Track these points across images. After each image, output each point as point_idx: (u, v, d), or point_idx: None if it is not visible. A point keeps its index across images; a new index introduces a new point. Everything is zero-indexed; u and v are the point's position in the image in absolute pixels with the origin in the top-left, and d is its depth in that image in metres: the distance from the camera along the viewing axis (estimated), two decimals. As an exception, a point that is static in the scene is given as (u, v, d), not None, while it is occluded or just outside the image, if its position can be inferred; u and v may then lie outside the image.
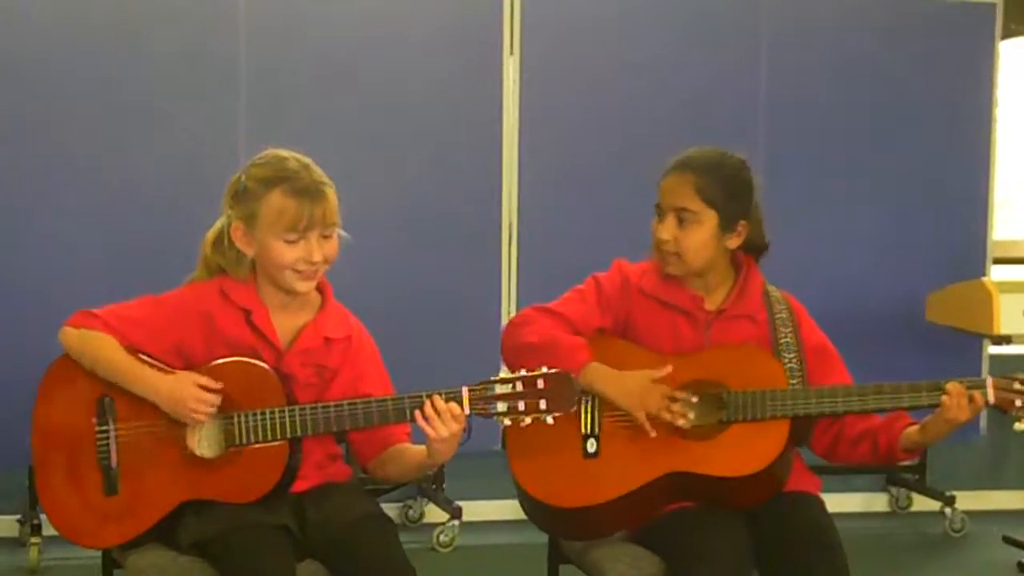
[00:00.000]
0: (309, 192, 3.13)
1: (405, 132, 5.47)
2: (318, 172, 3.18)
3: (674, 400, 3.25)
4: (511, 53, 5.53)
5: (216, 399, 3.11)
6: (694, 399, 3.25)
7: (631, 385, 3.25)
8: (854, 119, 5.83)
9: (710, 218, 3.32)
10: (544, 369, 3.07)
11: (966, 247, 5.93)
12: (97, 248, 5.18)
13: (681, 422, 3.23)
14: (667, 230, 3.33)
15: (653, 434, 3.24)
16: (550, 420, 3.07)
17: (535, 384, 3.06)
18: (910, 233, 5.89)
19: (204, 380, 3.11)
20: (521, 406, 3.06)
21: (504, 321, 5.47)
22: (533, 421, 3.07)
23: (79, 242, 5.18)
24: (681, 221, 3.32)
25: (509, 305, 5.54)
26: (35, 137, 5.16)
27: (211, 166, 5.14)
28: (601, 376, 3.26)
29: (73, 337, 3.19)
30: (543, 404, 3.06)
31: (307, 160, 3.20)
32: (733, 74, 5.73)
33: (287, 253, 3.14)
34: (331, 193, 3.17)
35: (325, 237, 3.16)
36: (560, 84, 5.59)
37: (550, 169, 5.59)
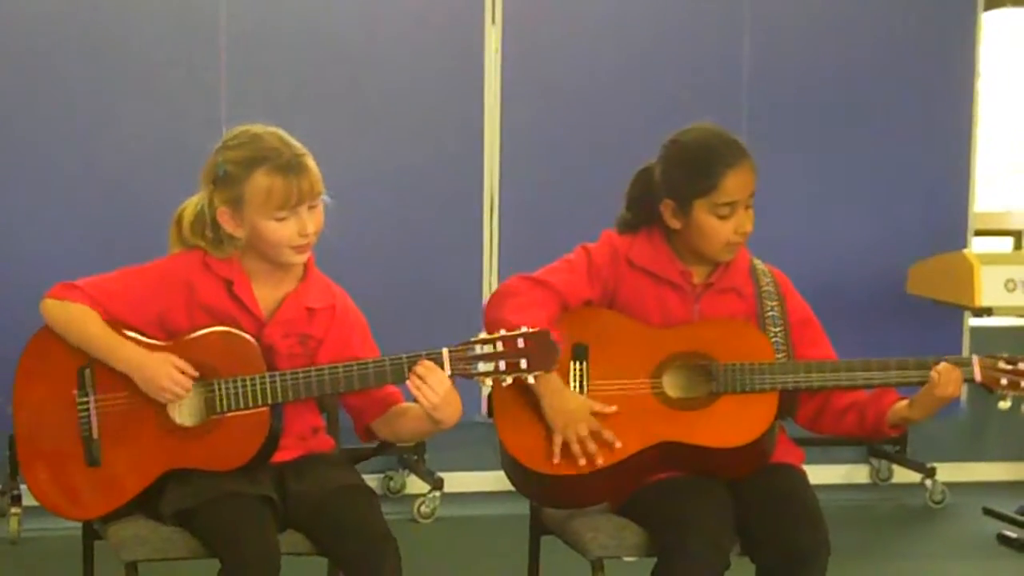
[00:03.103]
0: (292, 167, 3.11)
1: (387, 101, 5.45)
2: (295, 144, 3.16)
3: (599, 438, 3.22)
4: (493, 22, 5.51)
5: (189, 383, 3.11)
6: (618, 444, 3.23)
7: (568, 406, 3.23)
8: (836, 91, 5.81)
9: None
10: (524, 328, 3.07)
11: (948, 219, 5.93)
12: (78, 219, 5.16)
13: (582, 462, 3.22)
14: (750, 220, 3.30)
15: (556, 460, 3.23)
16: (531, 380, 3.08)
17: (515, 344, 3.06)
18: (892, 205, 5.88)
19: (181, 363, 3.11)
20: (502, 366, 3.06)
21: (486, 292, 5.46)
22: (514, 381, 3.07)
23: (60, 214, 5.15)
24: (748, 205, 3.30)
25: (491, 276, 5.53)
26: (13, 109, 5.13)
27: (193, 136, 5.08)
28: (549, 385, 3.22)
29: (53, 309, 3.17)
30: (524, 363, 3.06)
31: (280, 132, 3.18)
32: (716, 46, 5.71)
33: (280, 230, 3.13)
34: (312, 163, 3.15)
35: (311, 208, 3.15)
36: (542, 53, 5.57)
37: (532, 139, 5.57)
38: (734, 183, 3.27)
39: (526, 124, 5.56)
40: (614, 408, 3.25)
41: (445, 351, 3.09)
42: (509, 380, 3.08)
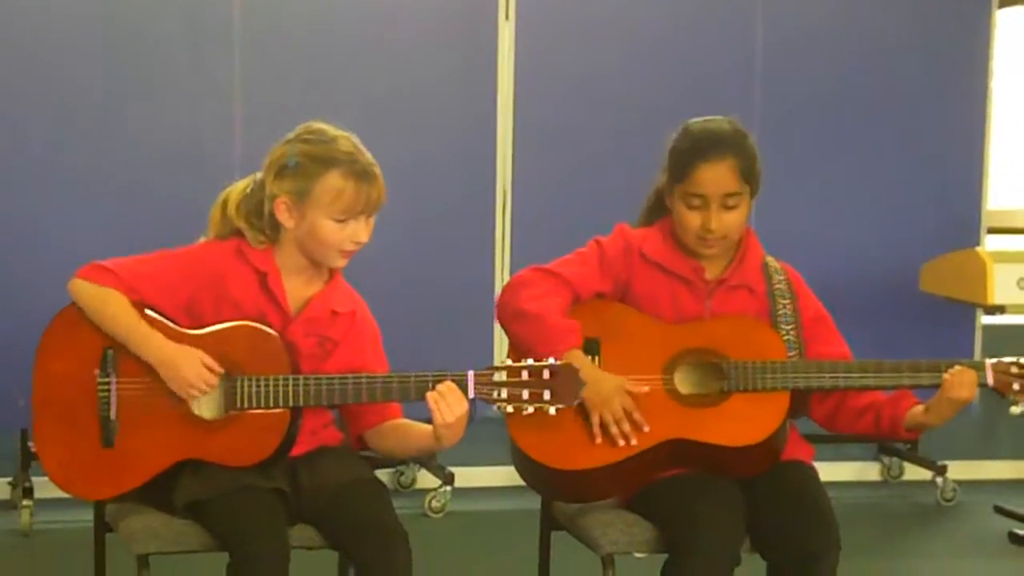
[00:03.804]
0: (367, 175, 3.18)
1: (400, 99, 5.44)
2: (367, 153, 3.22)
3: (631, 419, 3.23)
4: (507, 18, 5.51)
5: (215, 380, 3.12)
6: (646, 428, 3.23)
7: (601, 385, 3.24)
8: (849, 88, 5.81)
9: (746, 193, 3.32)
10: (551, 360, 3.09)
11: (961, 216, 5.92)
12: (96, 215, 5.15)
13: (621, 442, 3.23)
14: (718, 220, 3.28)
15: (598, 440, 3.24)
16: (552, 412, 3.09)
17: (541, 375, 3.08)
18: (905, 202, 5.88)
19: (209, 360, 3.12)
20: (525, 395, 3.08)
21: (498, 288, 5.46)
22: (536, 411, 3.08)
23: (78, 209, 5.15)
24: (726, 206, 3.29)
25: (503, 272, 5.53)
26: (28, 109, 5.14)
27: (206, 135, 5.13)
28: (582, 368, 3.22)
29: (85, 290, 3.18)
30: (547, 395, 3.08)
31: (355, 139, 3.23)
32: (729, 42, 5.71)
33: (336, 232, 3.17)
34: (380, 175, 3.20)
35: (368, 218, 3.20)
36: (556, 50, 5.57)
37: (545, 135, 5.57)
38: (704, 176, 3.27)
39: (539, 121, 5.56)
40: (646, 388, 3.26)
41: (471, 374, 3.11)
42: (530, 410, 3.09)
